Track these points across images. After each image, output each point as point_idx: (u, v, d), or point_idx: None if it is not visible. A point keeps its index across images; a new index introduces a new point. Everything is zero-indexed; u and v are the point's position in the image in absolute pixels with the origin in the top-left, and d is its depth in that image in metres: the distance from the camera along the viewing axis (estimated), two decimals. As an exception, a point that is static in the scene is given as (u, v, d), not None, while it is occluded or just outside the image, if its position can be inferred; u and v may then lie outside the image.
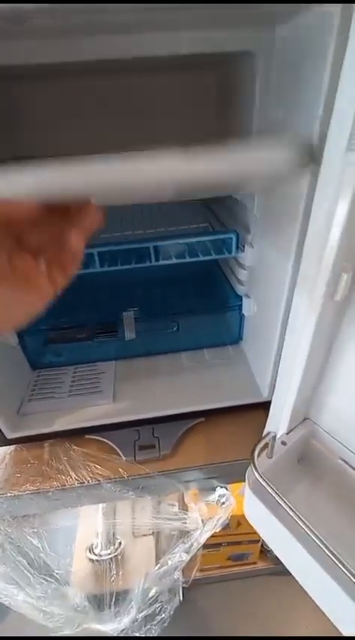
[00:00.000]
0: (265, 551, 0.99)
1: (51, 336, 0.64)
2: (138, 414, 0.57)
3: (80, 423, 0.56)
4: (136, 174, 0.25)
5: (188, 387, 0.61)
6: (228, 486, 0.64)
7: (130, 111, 0.62)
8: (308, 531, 0.29)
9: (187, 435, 0.58)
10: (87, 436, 0.58)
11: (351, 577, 0.25)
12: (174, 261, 0.54)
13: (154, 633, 0.79)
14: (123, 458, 0.54)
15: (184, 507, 0.61)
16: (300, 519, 0.29)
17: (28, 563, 0.53)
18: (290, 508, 0.30)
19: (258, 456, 0.35)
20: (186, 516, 0.61)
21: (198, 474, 0.56)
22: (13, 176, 0.24)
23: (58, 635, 0.65)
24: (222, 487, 0.60)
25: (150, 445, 0.56)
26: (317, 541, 0.28)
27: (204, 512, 0.61)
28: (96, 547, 1.00)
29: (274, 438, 0.36)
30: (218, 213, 0.68)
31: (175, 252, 0.53)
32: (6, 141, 0.62)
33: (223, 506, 0.63)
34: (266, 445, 0.36)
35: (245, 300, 0.60)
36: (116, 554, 0.98)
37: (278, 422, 0.41)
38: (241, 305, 0.61)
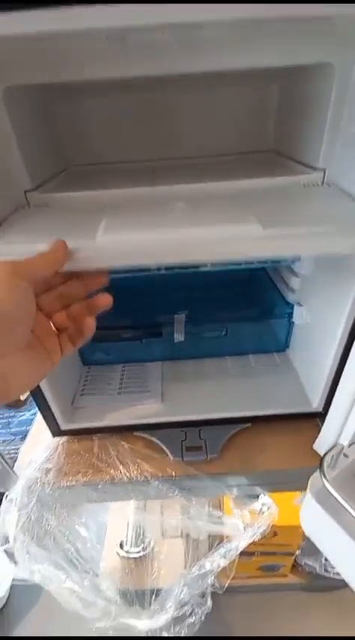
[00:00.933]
0: (297, 565, 0.97)
1: (101, 335, 0.67)
2: (185, 415, 0.58)
3: (129, 420, 0.58)
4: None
5: (234, 392, 0.61)
6: (269, 495, 0.63)
7: (189, 122, 0.63)
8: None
9: (233, 439, 0.58)
10: (135, 433, 0.59)
11: None
12: (230, 267, 0.54)
13: (184, 637, 0.79)
14: (172, 457, 0.55)
15: (226, 512, 0.62)
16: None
17: (77, 552, 0.55)
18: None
19: (328, 465, 0.35)
20: (226, 521, 0.61)
21: (243, 480, 0.56)
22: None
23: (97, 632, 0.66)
24: (265, 495, 0.60)
25: (197, 447, 0.56)
26: None
27: (247, 519, 0.60)
28: (126, 544, 1.02)
29: (342, 449, 0.36)
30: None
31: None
32: (66, 152, 0.65)
33: (264, 514, 0.63)
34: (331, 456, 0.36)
35: (296, 309, 0.59)
36: (145, 552, 1.00)
37: (335, 434, 0.41)
38: (291, 313, 0.61)
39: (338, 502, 0.32)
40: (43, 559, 0.51)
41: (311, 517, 0.37)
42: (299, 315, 0.59)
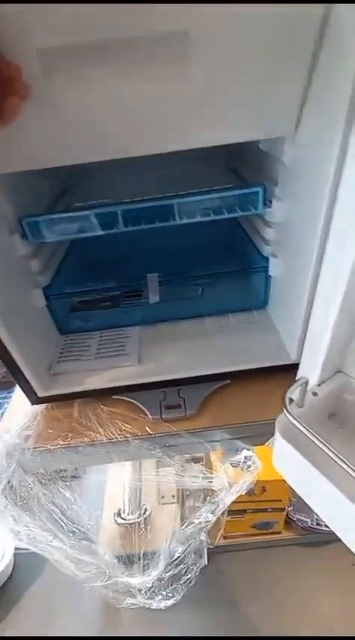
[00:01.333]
0: (290, 521, 1.00)
1: (77, 303, 0.65)
2: (163, 375, 0.57)
3: (107, 383, 0.57)
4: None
5: (213, 350, 0.61)
6: (254, 449, 0.64)
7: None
8: (352, 472, 0.28)
9: (213, 396, 0.58)
10: (114, 396, 0.59)
11: None
12: (198, 219, 0.52)
13: (180, 593, 0.82)
14: (150, 417, 0.55)
15: (210, 466, 0.62)
16: (341, 459, 0.28)
17: (61, 513, 0.56)
18: (330, 449, 0.29)
19: (290, 402, 0.34)
20: (212, 476, 0.61)
21: (223, 434, 0.56)
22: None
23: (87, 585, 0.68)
24: (248, 449, 0.60)
25: (176, 405, 0.56)
26: None
27: (230, 473, 0.61)
28: (123, 512, 1.05)
29: (306, 384, 0.35)
30: (242, 172, 0.65)
31: (199, 209, 0.52)
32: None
33: (249, 469, 0.63)
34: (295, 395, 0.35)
35: (271, 261, 0.58)
36: (142, 518, 1.02)
37: (308, 374, 0.40)
38: (267, 266, 0.59)
39: (304, 435, 0.31)
40: (27, 521, 0.52)
41: (281, 456, 0.37)
42: (274, 268, 0.58)
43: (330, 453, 0.28)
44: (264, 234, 0.58)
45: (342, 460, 0.27)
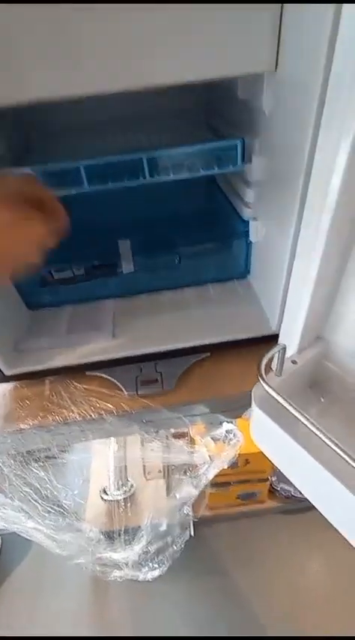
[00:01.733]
0: (274, 490, 1.01)
1: (46, 276, 0.61)
2: (138, 349, 0.54)
3: (79, 359, 0.54)
4: None
5: (192, 322, 0.57)
6: (236, 423, 0.62)
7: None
8: (329, 442, 0.25)
9: (192, 370, 0.56)
10: (88, 373, 0.56)
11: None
12: (172, 177, 0.48)
13: (166, 564, 0.83)
14: (126, 393, 0.52)
15: (192, 441, 0.61)
16: (318, 429, 0.26)
17: (35, 494, 0.54)
18: (307, 419, 0.27)
19: (266, 371, 0.32)
20: (193, 451, 0.60)
21: (203, 408, 0.54)
22: None
23: (73, 561, 0.68)
24: (228, 422, 0.59)
25: (152, 380, 0.53)
26: (341, 453, 0.25)
27: (211, 447, 0.60)
28: (108, 488, 1.04)
29: (284, 350, 0.33)
30: (221, 129, 0.60)
31: (172, 166, 0.47)
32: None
33: (231, 442, 0.62)
34: (271, 363, 0.33)
35: (252, 225, 0.54)
36: (128, 495, 1.02)
37: (287, 341, 0.38)
38: (248, 232, 0.56)
39: (281, 405, 0.29)
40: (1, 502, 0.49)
41: (258, 427, 0.34)
42: (254, 232, 0.54)
43: (307, 423, 0.26)
44: (244, 195, 0.54)
45: (319, 430, 0.25)
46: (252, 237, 0.55)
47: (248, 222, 0.55)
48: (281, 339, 0.41)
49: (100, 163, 0.46)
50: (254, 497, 0.99)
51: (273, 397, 0.29)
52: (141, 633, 0.96)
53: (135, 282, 0.61)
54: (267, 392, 0.29)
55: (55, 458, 0.54)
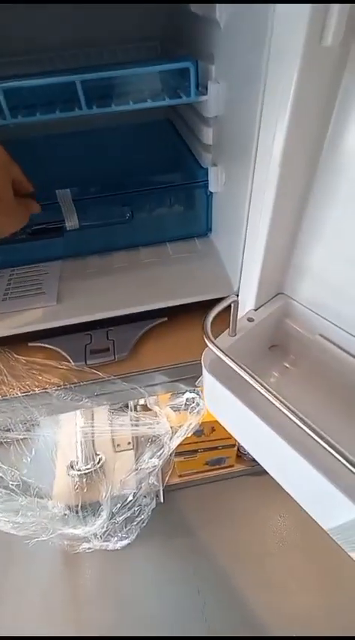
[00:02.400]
0: (242, 455, 1.03)
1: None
2: (87, 315, 0.48)
3: (19, 328, 0.47)
4: None
5: (147, 284, 0.52)
6: (199, 391, 0.59)
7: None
8: (284, 408, 0.22)
9: (148, 336, 0.51)
10: (31, 344, 0.49)
11: (339, 457, 0.18)
12: (113, 108, 0.40)
13: (134, 533, 0.83)
14: (73, 363, 0.47)
15: (149, 413, 0.57)
16: (270, 393, 0.22)
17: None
18: (259, 382, 0.23)
19: (214, 331, 0.27)
20: (151, 422, 0.56)
21: (162, 377, 0.50)
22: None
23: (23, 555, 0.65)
24: (190, 391, 0.56)
25: (104, 349, 0.48)
26: (296, 420, 0.22)
27: (172, 417, 0.56)
28: (76, 463, 1.01)
29: (236, 305, 0.28)
30: (176, 51, 0.52)
31: (114, 94, 0.40)
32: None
33: (194, 411, 0.59)
34: (228, 322, 0.28)
35: (212, 172, 0.48)
36: (96, 467, 1.00)
37: (244, 297, 0.33)
38: (207, 181, 0.49)
39: (231, 368, 0.25)
40: None
41: (211, 394, 0.31)
42: (214, 180, 0.48)
43: (258, 386, 0.22)
44: (202, 136, 0.47)
45: (271, 394, 0.21)
46: (212, 187, 0.49)
47: (207, 170, 0.48)
48: (240, 298, 0.37)
49: (24, 86, 0.37)
50: (222, 462, 1.00)
51: (223, 360, 0.25)
52: (115, 599, 0.97)
53: (82, 242, 0.54)
54: (215, 354, 0.25)
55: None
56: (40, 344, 0.49)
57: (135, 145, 0.62)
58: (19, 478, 0.55)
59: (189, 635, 0.92)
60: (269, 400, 0.21)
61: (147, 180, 0.51)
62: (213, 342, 0.25)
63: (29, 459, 0.55)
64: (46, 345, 0.49)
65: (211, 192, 0.52)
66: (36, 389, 0.46)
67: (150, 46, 0.60)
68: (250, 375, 0.22)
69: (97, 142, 0.64)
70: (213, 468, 1.02)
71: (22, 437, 0.60)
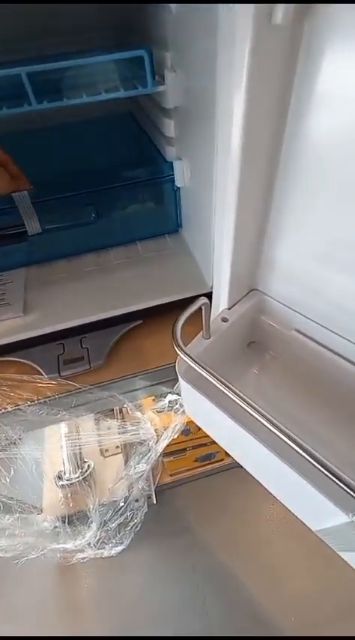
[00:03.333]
0: (231, 449, 1.03)
1: None
2: (57, 324, 0.46)
3: (-16, 343, 0.45)
4: None
5: (119, 287, 0.50)
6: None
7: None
8: (253, 411, 0.21)
9: (123, 341, 0.49)
10: (-2, 359, 0.47)
11: (318, 465, 0.17)
12: (65, 102, 0.37)
13: (128, 538, 0.82)
14: (46, 376, 0.45)
15: (133, 419, 0.55)
16: (242, 399, 0.21)
17: None
18: (231, 389, 0.22)
19: (188, 331, 0.26)
20: (134, 428, 0.55)
21: (141, 382, 0.48)
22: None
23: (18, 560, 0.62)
24: (172, 393, 0.54)
25: (78, 358, 0.46)
26: (266, 424, 0.21)
27: (156, 421, 0.55)
28: (64, 473, 0.99)
29: (208, 308, 0.27)
30: (132, 41, 0.49)
31: (65, 86, 0.37)
32: None
33: (178, 412, 0.58)
34: (204, 325, 0.27)
35: (176, 165, 0.46)
36: (85, 476, 0.98)
37: (218, 297, 0.32)
38: (172, 175, 0.48)
39: (202, 376, 0.23)
40: None
41: (187, 399, 0.29)
42: (180, 174, 0.46)
43: (229, 392, 0.21)
44: (164, 129, 0.45)
45: (242, 399, 0.20)
46: (178, 181, 0.47)
47: (172, 163, 0.47)
48: (214, 296, 0.36)
49: None
50: (212, 457, 1.00)
51: (195, 370, 0.23)
52: (115, 604, 0.96)
53: (46, 246, 0.51)
54: (184, 360, 0.23)
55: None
56: (8, 358, 0.46)
57: (96, 141, 0.59)
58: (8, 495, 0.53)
59: (191, 632, 0.92)
60: (243, 408, 0.20)
61: (110, 177, 0.49)
62: (183, 351, 0.24)
63: (8, 479, 0.53)
64: (16, 359, 0.46)
65: (178, 188, 0.50)
66: (8, 406, 0.44)
67: (105, 36, 0.57)
68: (222, 382, 0.21)
69: (56, 139, 0.60)
70: (204, 463, 1.01)
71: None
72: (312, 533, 0.30)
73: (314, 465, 0.17)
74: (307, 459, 0.18)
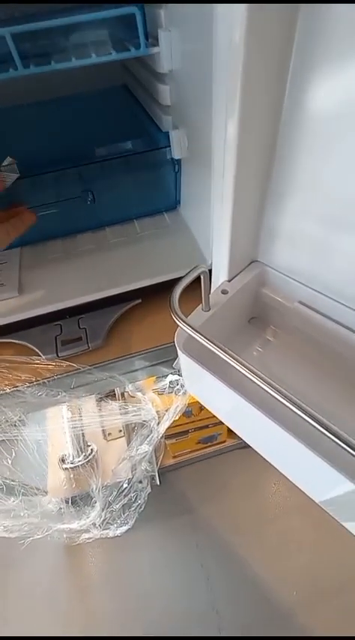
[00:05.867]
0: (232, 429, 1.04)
1: None
2: (53, 304, 0.45)
3: (-21, 325, 0.44)
4: None
5: (117, 266, 0.49)
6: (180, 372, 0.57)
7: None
8: (261, 382, 0.20)
9: (122, 321, 0.48)
10: (-5, 341, 0.46)
11: (323, 429, 0.17)
12: (53, 66, 0.35)
13: (132, 519, 0.83)
14: (43, 357, 0.44)
15: (134, 400, 0.55)
16: (248, 369, 0.20)
17: None
18: (234, 357, 0.21)
19: (186, 305, 0.25)
20: (135, 409, 0.55)
21: (140, 362, 0.48)
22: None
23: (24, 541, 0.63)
24: (173, 373, 0.54)
25: (76, 338, 0.45)
26: (275, 394, 0.20)
27: (157, 402, 0.55)
28: (68, 457, 1.00)
29: (206, 276, 0.26)
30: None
31: (51, 47, 0.35)
32: None
33: (179, 393, 0.57)
34: (205, 297, 0.26)
35: (173, 135, 0.44)
36: (89, 459, 0.99)
37: (217, 269, 0.31)
38: (169, 146, 0.46)
39: (204, 347, 0.22)
40: None
41: (187, 374, 0.28)
42: (177, 144, 0.44)
43: (232, 361, 0.20)
44: (158, 97, 0.43)
45: (246, 368, 0.19)
46: (175, 152, 0.45)
47: (168, 134, 0.45)
48: (214, 270, 0.35)
49: None
50: (214, 439, 1.01)
51: (194, 337, 0.22)
52: (120, 583, 0.98)
53: (42, 225, 0.49)
54: (187, 332, 0.22)
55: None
56: (5, 339, 0.46)
57: (90, 115, 0.57)
58: (1, 482, 0.53)
59: (195, 608, 0.94)
60: (246, 376, 0.19)
61: (104, 151, 0.47)
62: (182, 320, 0.23)
63: (10, 461, 0.53)
64: (13, 341, 0.45)
65: (177, 162, 0.48)
66: (6, 388, 0.43)
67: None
68: (224, 350, 0.20)
69: (48, 114, 0.58)
70: (206, 445, 1.02)
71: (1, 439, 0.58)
72: (315, 509, 0.30)
73: (320, 431, 0.17)
74: (312, 424, 0.17)
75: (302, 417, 0.17)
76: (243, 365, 0.19)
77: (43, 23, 0.33)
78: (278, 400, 0.19)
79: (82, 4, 0.37)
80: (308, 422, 0.17)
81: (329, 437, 0.17)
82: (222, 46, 0.22)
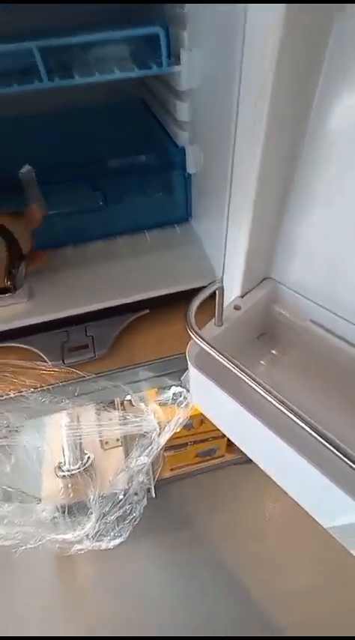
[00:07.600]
0: (232, 444, 1.02)
1: None
2: (62, 310, 0.45)
3: (-13, 328, 0.44)
4: None
5: (127, 275, 0.49)
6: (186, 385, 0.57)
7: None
8: (274, 400, 0.19)
9: (129, 330, 0.48)
10: (2, 344, 0.46)
11: (336, 451, 0.16)
12: (77, 80, 0.36)
13: (127, 531, 0.81)
14: (49, 363, 0.44)
15: (136, 410, 0.55)
16: (261, 386, 0.20)
17: None
18: (248, 374, 0.21)
19: (197, 320, 0.25)
20: (137, 420, 0.54)
21: (145, 373, 0.47)
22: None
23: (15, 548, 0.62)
24: (177, 385, 0.53)
25: (82, 346, 0.45)
26: (287, 412, 0.20)
27: (159, 413, 0.54)
28: (64, 464, 0.98)
29: (221, 291, 0.26)
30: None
31: (76, 64, 0.36)
32: None
33: (182, 405, 0.57)
34: (216, 313, 0.26)
35: (189, 151, 0.45)
36: (85, 467, 0.97)
37: (229, 284, 0.31)
38: (184, 161, 0.46)
39: (216, 360, 0.22)
40: None
41: (196, 387, 0.28)
42: (192, 160, 0.45)
43: (244, 377, 0.19)
44: (176, 113, 0.44)
45: (258, 384, 0.19)
46: (190, 168, 0.46)
47: (184, 149, 0.45)
48: (225, 285, 0.35)
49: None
50: (213, 453, 0.99)
51: (209, 353, 0.22)
52: (112, 594, 0.96)
53: (53, 232, 0.50)
54: (200, 346, 0.22)
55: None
56: (12, 344, 0.46)
57: (107, 127, 0.58)
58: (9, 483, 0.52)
59: (188, 622, 0.92)
60: (259, 392, 0.19)
61: (119, 162, 0.48)
62: (197, 334, 0.22)
63: (9, 468, 0.52)
64: (20, 345, 0.45)
65: (189, 175, 0.49)
66: (10, 392, 0.43)
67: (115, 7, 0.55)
68: (239, 368, 0.20)
69: (66, 125, 0.59)
70: (204, 459, 1.01)
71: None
72: (315, 528, 0.29)
73: (335, 454, 0.16)
74: (327, 447, 0.17)
75: (318, 439, 0.17)
76: (258, 383, 0.19)
77: (70, 39, 0.34)
78: (292, 420, 0.18)
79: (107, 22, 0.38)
80: (324, 445, 0.17)
81: (345, 461, 0.16)
82: (249, 72, 0.23)
